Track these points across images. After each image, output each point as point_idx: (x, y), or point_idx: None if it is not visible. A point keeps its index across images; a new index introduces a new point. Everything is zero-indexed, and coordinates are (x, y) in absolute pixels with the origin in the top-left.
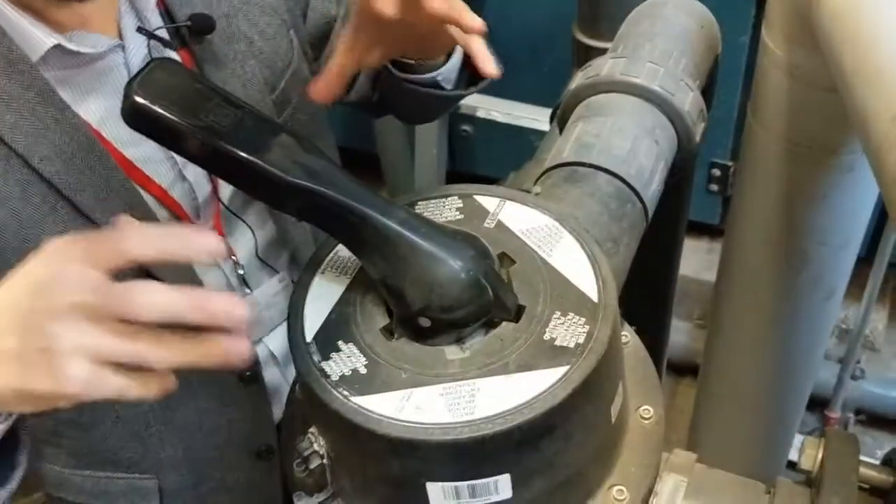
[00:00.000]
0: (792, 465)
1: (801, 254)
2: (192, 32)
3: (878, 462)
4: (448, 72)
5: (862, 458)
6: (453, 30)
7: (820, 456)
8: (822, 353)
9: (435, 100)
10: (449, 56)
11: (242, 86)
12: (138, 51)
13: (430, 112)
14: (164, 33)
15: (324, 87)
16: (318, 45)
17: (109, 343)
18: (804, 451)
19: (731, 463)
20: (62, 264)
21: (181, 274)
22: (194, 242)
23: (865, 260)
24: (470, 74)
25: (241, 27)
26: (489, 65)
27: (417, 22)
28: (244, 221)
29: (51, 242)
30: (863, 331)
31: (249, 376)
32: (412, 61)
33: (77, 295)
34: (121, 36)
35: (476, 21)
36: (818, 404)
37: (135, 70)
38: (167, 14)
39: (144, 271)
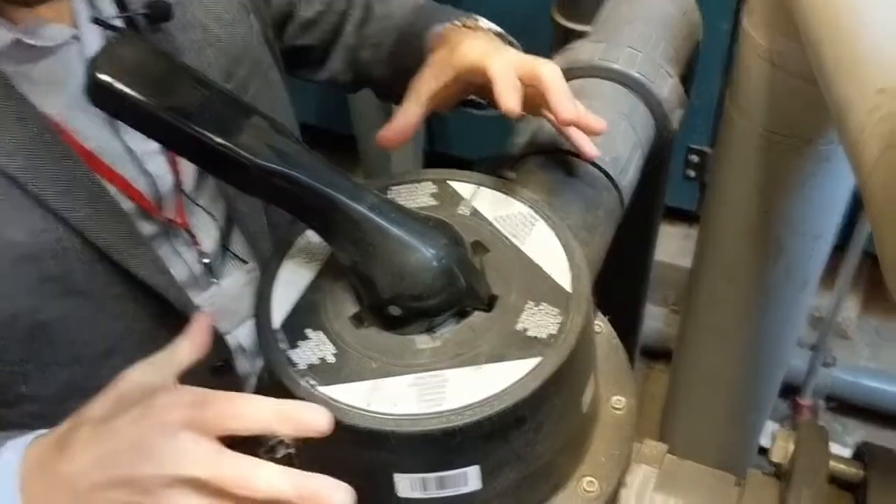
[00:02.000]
0: (763, 451)
1: (777, 243)
2: (149, 21)
3: (848, 454)
4: None
5: (832, 451)
6: (551, 117)
7: (791, 448)
8: (795, 341)
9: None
10: None
11: None
12: (94, 41)
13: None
14: (119, 23)
15: (393, 136)
16: (280, 27)
17: None
18: (775, 443)
19: (703, 447)
20: (172, 430)
21: (145, 261)
22: (304, 421)
23: (839, 248)
24: None
25: (196, 14)
26: (591, 148)
27: None
28: (207, 211)
29: (157, 396)
30: (835, 319)
31: (221, 367)
32: None
33: (190, 469)
34: (75, 27)
35: (601, 124)
36: (789, 391)
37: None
38: (119, 3)
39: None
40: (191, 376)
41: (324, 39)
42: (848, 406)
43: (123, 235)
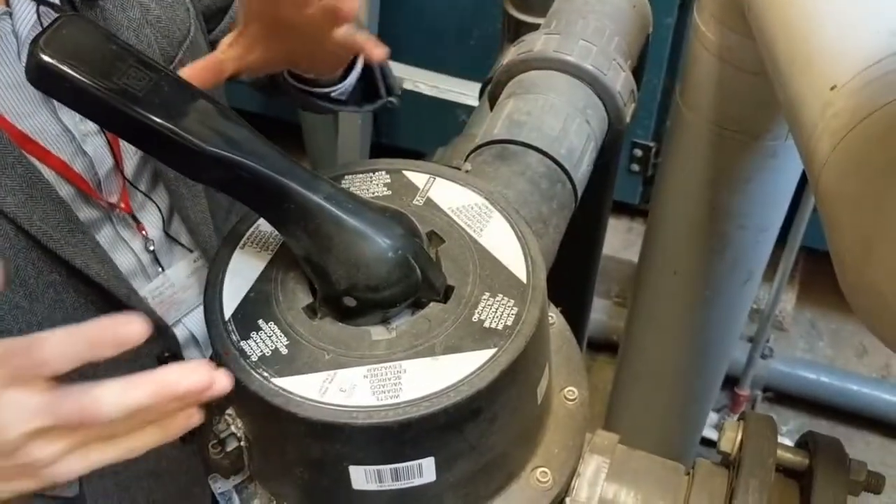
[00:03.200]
0: (705, 442)
1: (722, 236)
2: None
3: (785, 443)
4: (345, 87)
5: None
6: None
7: (739, 438)
8: (739, 333)
9: (327, 108)
10: (348, 72)
11: None
12: (27, 18)
13: (322, 111)
14: None
15: (194, 73)
16: (213, 18)
17: (88, 445)
18: (724, 433)
19: (647, 438)
20: None
21: (83, 249)
22: (120, 336)
23: (777, 243)
24: (369, 90)
25: None
26: (380, 50)
27: (301, 22)
28: (150, 197)
29: None
30: (773, 311)
31: (168, 358)
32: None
33: (31, 423)
34: (7, 3)
35: (354, 3)
36: (728, 382)
37: (24, 38)
38: None
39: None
40: (135, 369)
41: None
42: (784, 396)
43: (59, 223)
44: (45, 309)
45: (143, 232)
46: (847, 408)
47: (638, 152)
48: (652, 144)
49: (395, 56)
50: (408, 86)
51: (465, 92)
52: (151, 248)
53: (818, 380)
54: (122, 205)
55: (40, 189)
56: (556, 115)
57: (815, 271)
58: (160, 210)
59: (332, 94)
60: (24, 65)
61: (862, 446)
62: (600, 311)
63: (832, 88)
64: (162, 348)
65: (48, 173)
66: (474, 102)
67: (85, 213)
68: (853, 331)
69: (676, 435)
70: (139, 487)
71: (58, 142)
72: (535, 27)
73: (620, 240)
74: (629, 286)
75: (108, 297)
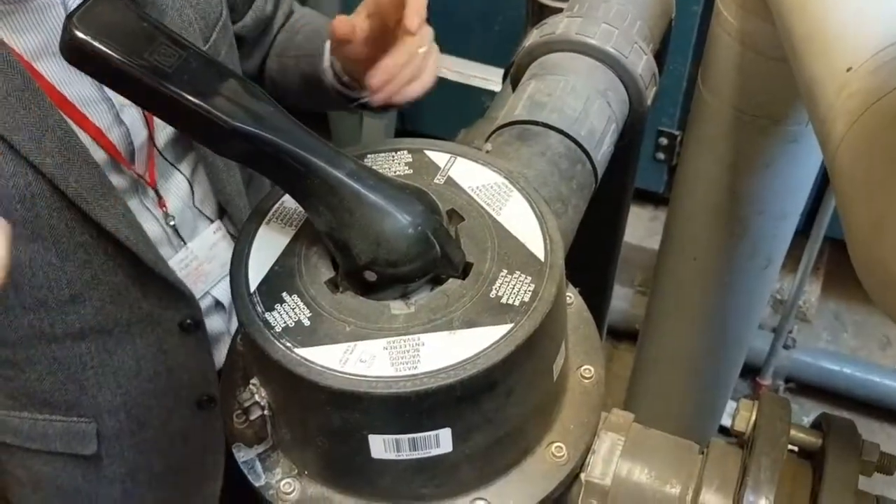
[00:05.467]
0: (725, 431)
1: (742, 222)
2: None
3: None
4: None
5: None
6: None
7: (753, 418)
8: (758, 321)
9: (348, 109)
10: None
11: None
12: None
13: (323, 108)
14: None
15: (339, 22)
16: (234, 10)
17: None
18: (738, 412)
19: (666, 426)
20: None
21: (114, 213)
22: None
23: (802, 233)
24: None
25: None
26: (412, 21)
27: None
28: (178, 170)
29: None
30: (797, 302)
31: (190, 325)
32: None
33: None
34: None
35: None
36: (750, 372)
37: (72, 8)
38: None
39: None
40: (156, 332)
41: (255, 35)
42: (806, 387)
43: (93, 185)
44: (75, 268)
45: (164, 208)
46: (869, 399)
47: (663, 140)
48: (677, 133)
49: None
50: None
51: (488, 77)
52: (172, 222)
53: (840, 371)
54: (148, 177)
55: (77, 152)
56: (576, 97)
57: (841, 262)
58: (189, 183)
59: (362, 100)
60: None
61: (883, 438)
62: (623, 300)
63: (848, 70)
64: (184, 316)
65: (84, 137)
66: (498, 88)
67: (114, 180)
68: (877, 322)
69: (695, 421)
70: (155, 451)
71: (97, 109)
72: (559, 11)
73: (644, 228)
74: (652, 275)
75: (135, 261)
